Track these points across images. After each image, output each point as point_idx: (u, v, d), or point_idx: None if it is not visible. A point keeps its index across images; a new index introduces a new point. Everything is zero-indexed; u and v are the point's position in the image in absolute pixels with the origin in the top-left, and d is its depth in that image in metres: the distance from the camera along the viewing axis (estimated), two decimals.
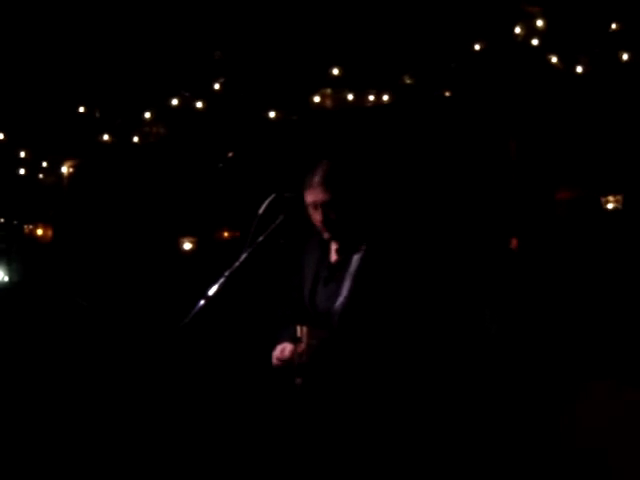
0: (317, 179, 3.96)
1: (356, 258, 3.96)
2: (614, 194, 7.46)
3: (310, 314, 4.06)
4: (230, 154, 8.34)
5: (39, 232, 9.08)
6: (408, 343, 3.92)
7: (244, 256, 3.88)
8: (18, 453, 6.19)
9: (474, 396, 5.73)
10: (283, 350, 4.06)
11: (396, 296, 3.89)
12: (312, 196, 3.96)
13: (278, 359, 4.06)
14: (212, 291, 3.77)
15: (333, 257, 4.09)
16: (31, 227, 9.09)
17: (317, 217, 3.97)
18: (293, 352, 4.01)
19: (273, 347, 4.11)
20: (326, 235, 4.02)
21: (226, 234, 8.61)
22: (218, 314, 3.99)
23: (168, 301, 7.21)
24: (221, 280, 3.80)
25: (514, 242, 7.08)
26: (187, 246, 8.58)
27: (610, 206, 7.47)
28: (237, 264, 3.86)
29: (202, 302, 3.75)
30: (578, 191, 7.57)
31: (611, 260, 6.86)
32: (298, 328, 3.99)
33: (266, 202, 3.97)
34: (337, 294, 3.95)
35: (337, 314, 3.92)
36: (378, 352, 3.88)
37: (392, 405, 3.93)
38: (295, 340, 4.00)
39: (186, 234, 8.62)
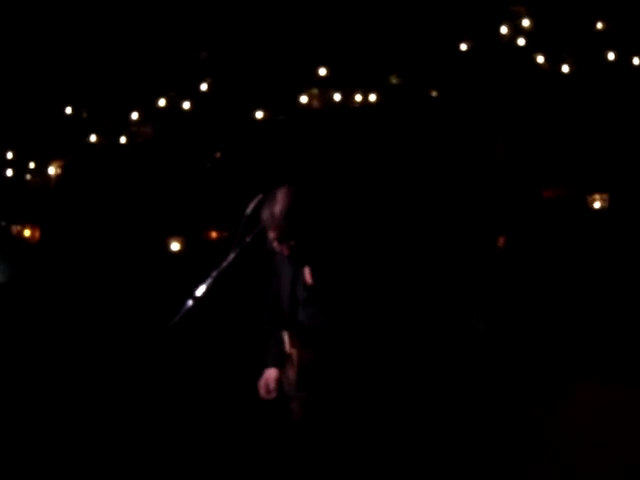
0: (277, 213, 3.76)
1: (331, 280, 3.90)
2: (600, 192, 7.49)
3: (293, 328, 4.04)
4: (217, 154, 8.34)
5: (27, 233, 9.06)
6: (395, 343, 3.93)
7: (232, 256, 3.88)
8: (14, 452, 6.18)
9: (462, 394, 5.74)
10: (267, 384, 4.05)
11: (379, 306, 3.89)
12: (274, 231, 3.79)
13: (265, 391, 4.06)
14: (200, 291, 3.77)
15: (308, 279, 4.05)
16: (19, 228, 9.06)
17: (283, 251, 3.83)
18: (277, 382, 4.03)
19: (258, 363, 4.12)
20: (297, 265, 3.94)
21: (214, 234, 8.60)
22: (206, 314, 4.00)
23: (156, 301, 7.20)
24: (209, 280, 3.80)
25: (501, 240, 7.10)
26: (175, 246, 8.57)
27: (596, 204, 7.50)
28: (225, 264, 3.86)
29: (190, 302, 3.75)
30: (565, 190, 7.60)
31: (598, 258, 6.89)
32: (287, 346, 3.98)
33: (253, 202, 3.97)
34: (320, 316, 3.92)
35: (323, 333, 3.90)
36: (369, 361, 3.88)
37: (382, 404, 3.94)
38: (280, 365, 4.01)
39: (174, 234, 8.61)
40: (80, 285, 8.26)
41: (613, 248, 6.92)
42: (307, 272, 4.01)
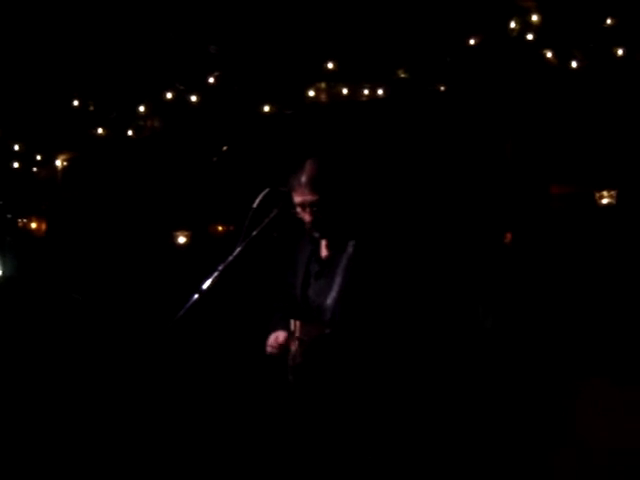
0: (304, 179, 3.94)
1: (346, 254, 3.96)
2: (608, 189, 7.47)
3: (302, 309, 4.08)
4: (224, 148, 8.33)
5: (33, 225, 9.06)
6: (400, 337, 3.93)
7: (238, 250, 3.88)
8: (13, 450, 6.19)
9: (469, 391, 5.73)
10: (277, 337, 4.10)
11: (386, 291, 3.90)
12: (300, 197, 3.95)
13: (272, 346, 4.09)
14: (206, 285, 3.77)
15: (323, 252, 4.10)
16: (25, 221, 9.06)
17: (305, 217, 3.98)
18: (286, 339, 4.05)
19: (267, 337, 4.14)
20: (315, 234, 4.02)
21: (220, 228, 8.60)
22: (212, 308, 3.99)
23: (162, 295, 7.20)
24: (215, 274, 3.80)
25: (508, 237, 7.09)
26: (181, 240, 8.57)
27: (604, 201, 7.48)
28: (231, 258, 3.86)
29: (196, 296, 3.75)
30: (572, 186, 7.58)
31: (605, 255, 6.87)
32: (292, 322, 4.01)
33: (260, 196, 3.97)
34: (328, 289, 3.96)
35: (329, 309, 3.93)
36: (370, 347, 3.88)
37: (385, 400, 3.94)
38: (289, 333, 4.03)
39: (180, 228, 8.61)
40: (86, 278, 8.26)
41: (621, 245, 6.90)
42: (324, 244, 4.10)
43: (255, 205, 3.94)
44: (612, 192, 7.45)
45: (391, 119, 7.77)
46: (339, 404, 3.91)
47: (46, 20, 8.16)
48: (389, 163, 7.46)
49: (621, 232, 7.10)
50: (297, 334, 3.97)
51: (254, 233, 3.90)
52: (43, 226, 9.10)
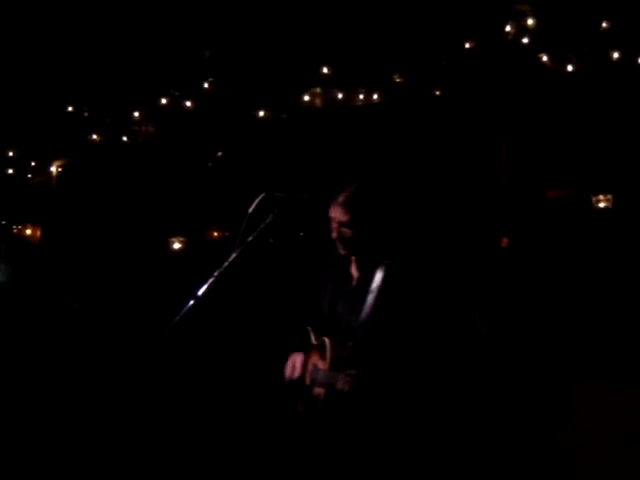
0: (341, 198, 4.06)
1: (378, 275, 4.00)
2: (605, 193, 7.46)
3: (330, 326, 4.12)
4: (219, 153, 8.32)
5: (28, 232, 9.04)
6: (420, 352, 3.95)
7: (234, 256, 3.87)
8: (10, 455, 6.18)
9: (467, 396, 5.72)
10: (294, 363, 4.21)
11: (417, 311, 3.93)
12: (333, 213, 4.08)
13: (291, 374, 4.16)
14: (202, 291, 3.76)
15: (354, 272, 4.16)
16: (20, 227, 9.04)
17: (333, 233, 4.09)
18: (303, 363, 4.15)
19: (282, 352, 4.21)
20: (341, 251, 4.11)
21: (216, 234, 8.58)
22: (208, 314, 3.97)
23: (158, 301, 7.18)
24: (211, 280, 3.79)
25: (505, 241, 7.08)
26: (177, 246, 8.55)
27: (601, 205, 7.47)
28: (227, 264, 3.85)
29: (191, 302, 3.74)
30: (569, 190, 7.57)
31: (602, 259, 6.86)
32: (324, 340, 4.04)
33: (256, 201, 3.97)
34: (359, 309, 3.98)
35: (360, 328, 3.94)
36: (399, 363, 3.91)
37: (394, 407, 3.95)
38: (307, 348, 4.07)
39: (176, 234, 8.59)
40: (81, 285, 8.24)
41: (617, 248, 6.89)
42: (354, 264, 4.20)
43: (251, 210, 3.94)
44: (608, 196, 7.44)
45: (386, 123, 7.76)
46: (354, 435, 3.93)
47: (40, 26, 8.14)
48: (385, 166, 7.45)
49: (618, 236, 7.09)
50: (328, 353, 3.98)
51: (250, 239, 3.90)
52: (38, 233, 9.08)
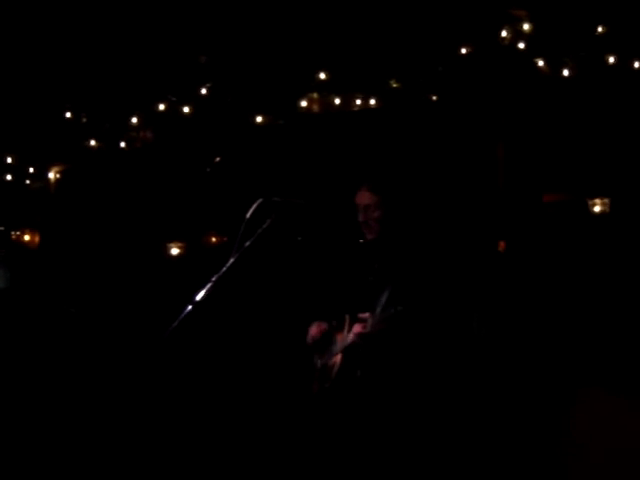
0: (367, 185, 4.44)
1: (395, 266, 4.16)
2: (601, 197, 7.46)
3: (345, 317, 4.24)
4: (217, 159, 8.32)
5: (26, 238, 9.04)
6: (417, 346, 4.05)
7: (232, 261, 3.88)
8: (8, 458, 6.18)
9: (464, 399, 5.73)
10: (319, 325, 4.47)
11: (424, 301, 4.05)
12: (360, 199, 4.44)
13: (315, 333, 4.42)
14: (200, 296, 3.76)
15: (374, 264, 4.43)
16: (18, 233, 9.04)
17: (361, 218, 4.41)
18: (327, 328, 4.38)
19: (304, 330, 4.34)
20: (368, 235, 4.40)
21: (214, 239, 8.59)
22: (205, 319, 3.99)
23: (156, 306, 7.19)
24: (209, 285, 3.79)
25: (502, 245, 7.09)
26: (175, 251, 8.55)
27: (597, 209, 7.47)
28: (225, 269, 3.86)
29: (190, 307, 3.74)
30: (565, 194, 7.58)
31: (599, 263, 6.86)
32: (345, 316, 4.16)
33: (253, 206, 3.98)
34: (378, 298, 4.09)
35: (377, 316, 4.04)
36: (399, 355, 4.02)
37: (390, 407, 3.99)
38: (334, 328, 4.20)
39: (174, 239, 8.59)
40: (80, 290, 8.24)
41: (614, 253, 6.90)
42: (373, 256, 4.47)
43: (248, 216, 3.95)
44: (605, 200, 7.45)
45: (383, 129, 7.77)
46: (367, 411, 3.99)
47: (38, 32, 8.15)
48: (382, 171, 7.46)
49: (615, 240, 7.09)
50: (346, 326, 4.12)
51: (247, 244, 3.91)
52: (36, 238, 9.08)
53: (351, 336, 4.10)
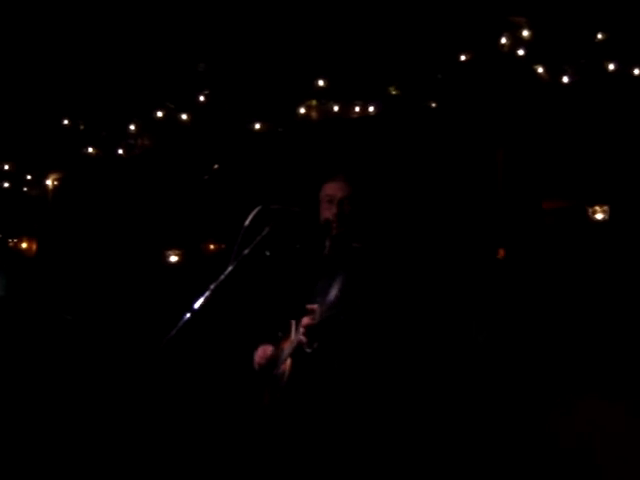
0: (341, 177, 4.32)
1: (349, 254, 4.08)
2: (601, 204, 7.45)
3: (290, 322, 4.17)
4: (215, 166, 8.31)
5: (23, 245, 9.03)
6: (392, 347, 3.96)
7: (230, 269, 3.86)
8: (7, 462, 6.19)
9: (461, 405, 5.72)
10: (265, 350, 4.31)
11: (384, 294, 3.96)
12: (330, 190, 4.29)
13: (260, 359, 4.28)
14: (198, 304, 3.74)
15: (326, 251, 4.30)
16: (15, 241, 9.03)
17: (332, 210, 4.22)
18: (274, 352, 4.25)
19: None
20: (334, 230, 4.22)
21: (212, 247, 8.57)
22: (204, 327, 3.96)
23: (154, 314, 7.17)
24: (207, 293, 3.77)
25: (501, 252, 7.08)
26: (173, 259, 8.54)
27: (597, 216, 7.46)
28: (223, 277, 3.84)
29: (188, 315, 3.72)
30: (565, 201, 7.57)
31: (598, 270, 6.86)
32: (290, 322, 4.10)
33: (252, 214, 3.97)
34: (329, 287, 4.00)
35: (329, 305, 3.94)
36: (362, 348, 3.94)
37: (373, 411, 3.95)
38: (276, 340, 4.11)
39: (172, 247, 8.58)
40: (77, 298, 8.22)
41: (614, 260, 6.89)
42: (327, 245, 4.34)
43: (247, 223, 3.94)
44: (605, 207, 7.44)
45: (382, 136, 7.76)
46: (325, 410, 3.93)
47: (35, 39, 8.14)
48: (381, 178, 7.45)
49: (614, 247, 7.09)
50: (292, 332, 4.04)
51: (246, 252, 3.89)
52: (34, 246, 9.07)
53: (299, 335, 3.99)
